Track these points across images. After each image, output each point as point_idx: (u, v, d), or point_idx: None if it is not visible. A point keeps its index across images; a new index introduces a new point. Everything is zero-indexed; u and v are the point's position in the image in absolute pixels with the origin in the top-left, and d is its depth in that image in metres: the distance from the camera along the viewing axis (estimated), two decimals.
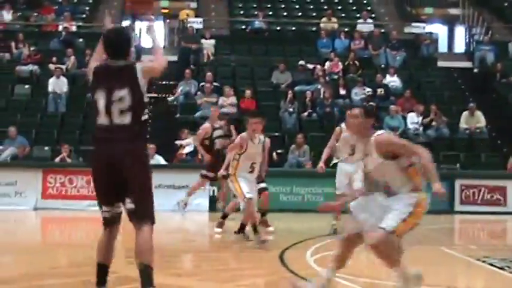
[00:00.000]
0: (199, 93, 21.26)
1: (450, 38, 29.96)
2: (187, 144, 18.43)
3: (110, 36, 6.00)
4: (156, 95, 22.57)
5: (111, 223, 6.03)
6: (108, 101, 5.77)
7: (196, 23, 25.59)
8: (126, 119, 5.77)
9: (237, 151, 10.62)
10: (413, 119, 20.57)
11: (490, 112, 21.27)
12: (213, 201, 16.94)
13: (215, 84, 21.49)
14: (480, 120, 20.68)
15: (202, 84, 21.36)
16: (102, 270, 6.04)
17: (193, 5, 28.04)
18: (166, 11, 28.70)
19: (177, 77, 22.43)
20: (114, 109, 5.77)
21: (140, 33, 25.61)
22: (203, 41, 24.04)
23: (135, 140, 5.85)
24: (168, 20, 28.84)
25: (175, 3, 28.03)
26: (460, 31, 28.84)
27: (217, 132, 14.52)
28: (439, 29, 28.95)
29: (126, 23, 25.67)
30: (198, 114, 20.48)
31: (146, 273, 5.79)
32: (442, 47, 28.51)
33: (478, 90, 23.07)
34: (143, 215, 5.86)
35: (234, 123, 16.48)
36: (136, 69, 5.89)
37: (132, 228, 5.90)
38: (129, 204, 5.83)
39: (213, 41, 24.19)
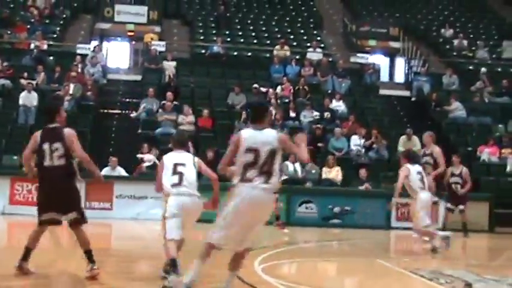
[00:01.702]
0: (160, 110, 21.20)
1: (391, 69, 30.35)
2: (149, 159, 18.36)
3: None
4: (120, 111, 22.47)
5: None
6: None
7: (159, 46, 25.59)
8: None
9: None
10: (356, 141, 20.77)
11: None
12: None
13: (175, 103, 21.47)
14: (416, 144, 20.87)
15: (163, 102, 21.31)
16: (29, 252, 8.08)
17: (158, 29, 28.02)
18: (132, 33, 28.62)
19: (140, 95, 22.37)
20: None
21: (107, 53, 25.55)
22: (165, 62, 24.02)
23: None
24: (133, 42, 28.77)
25: (141, 27, 27.97)
26: (400, 62, 29.23)
27: None
28: (381, 60, 29.32)
29: (94, 43, 25.57)
30: (158, 130, 20.43)
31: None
32: (384, 76, 28.87)
33: (415, 117, 23.38)
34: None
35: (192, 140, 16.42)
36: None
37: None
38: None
39: (174, 63, 24.16)
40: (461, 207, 16.61)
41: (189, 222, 8.11)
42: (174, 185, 8.10)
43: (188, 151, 8.67)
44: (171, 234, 7.80)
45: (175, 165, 8.27)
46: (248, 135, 6.90)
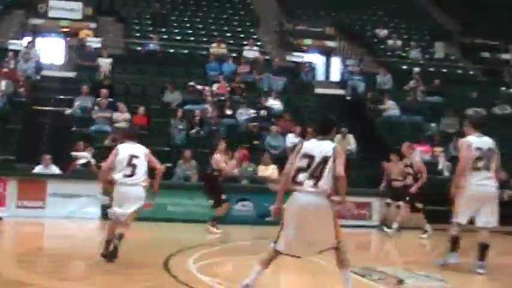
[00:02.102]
0: (95, 108, 20.90)
1: (327, 68, 30.56)
2: (83, 157, 18.06)
3: None
4: (53, 108, 22.05)
5: None
6: None
7: (94, 43, 25.23)
8: None
9: None
10: (291, 139, 20.81)
11: (359, 136, 21.75)
12: (104, 209, 16.61)
13: (110, 100, 21.19)
14: (351, 142, 21.14)
15: (98, 99, 21.00)
16: None
17: (93, 25, 27.61)
18: (66, 29, 28.13)
19: (74, 92, 21.98)
20: None
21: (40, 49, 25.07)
22: (100, 59, 23.68)
23: None
24: (67, 38, 28.27)
25: (75, 23, 27.52)
26: (335, 61, 29.46)
27: None
28: (317, 59, 29.48)
29: (27, 39, 25.04)
30: (93, 128, 20.13)
31: None
32: (320, 75, 29.05)
33: (350, 115, 23.57)
34: None
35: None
36: None
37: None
38: None
39: (109, 60, 23.85)
40: (399, 203, 16.75)
41: (131, 209, 9.53)
42: (126, 176, 9.48)
43: (139, 142, 9.92)
44: (114, 216, 9.59)
45: (131, 157, 9.55)
46: (309, 143, 7.52)
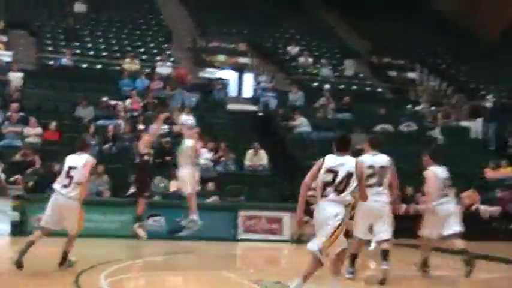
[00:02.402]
0: (5, 122, 20.54)
1: (239, 84, 30.83)
2: None
3: None
4: None
5: None
6: None
7: (5, 56, 24.79)
8: None
9: None
10: (204, 155, 20.93)
11: (271, 151, 22.03)
12: (14, 225, 16.32)
13: (21, 114, 20.86)
14: (263, 158, 21.39)
15: (8, 114, 20.65)
16: None
17: (4, 38, 27.08)
18: None
19: None
20: None
21: None
22: (11, 73, 23.29)
23: None
24: None
25: None
26: (248, 78, 29.74)
27: None
28: (229, 75, 29.70)
29: None
30: (2, 142, 19.79)
31: None
32: (232, 91, 29.27)
33: (262, 131, 23.87)
34: None
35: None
36: None
37: None
38: None
39: (20, 74, 23.48)
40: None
41: (66, 220, 10.18)
42: (63, 186, 10.08)
43: (87, 152, 10.53)
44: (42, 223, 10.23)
45: (69, 168, 10.12)
46: (330, 159, 8.48)
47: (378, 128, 24.80)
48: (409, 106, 27.26)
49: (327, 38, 33.72)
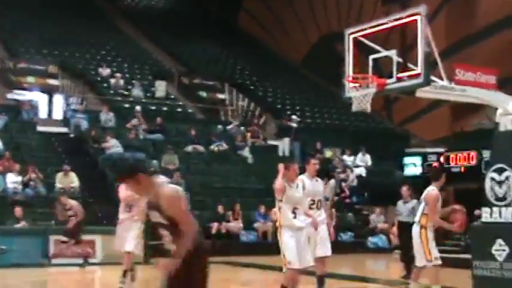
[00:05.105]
0: None
1: (49, 105, 29.71)
2: None
3: None
4: None
5: None
6: None
7: None
8: None
9: None
10: (12, 179, 19.94)
11: (83, 173, 21.42)
12: None
13: None
14: (74, 180, 20.75)
15: None
16: None
17: None
18: None
19: None
20: None
21: None
22: None
23: None
24: None
25: None
26: (58, 99, 28.70)
27: None
28: (39, 97, 28.53)
29: None
30: None
31: None
32: (42, 113, 28.15)
33: (73, 153, 23.18)
34: None
35: None
36: None
37: None
38: None
39: None
40: None
41: None
42: None
43: None
44: None
45: None
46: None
47: (190, 148, 24.84)
48: (219, 126, 27.53)
49: (139, 59, 33.41)
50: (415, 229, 10.20)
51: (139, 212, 11.49)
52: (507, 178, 10.70)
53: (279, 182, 9.17)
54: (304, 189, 9.45)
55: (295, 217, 9.18)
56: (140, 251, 11.55)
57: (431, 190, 10.11)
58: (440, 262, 10.08)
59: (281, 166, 9.23)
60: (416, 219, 10.24)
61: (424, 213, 10.11)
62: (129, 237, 11.55)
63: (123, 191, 11.44)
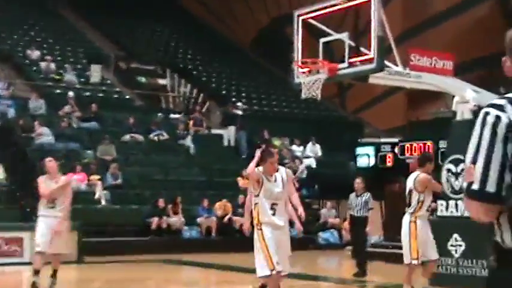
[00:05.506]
0: None
1: None
2: None
3: None
4: None
5: None
6: None
7: None
8: None
9: None
10: None
11: (10, 165, 21.09)
12: None
13: None
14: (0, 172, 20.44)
15: None
16: None
17: None
18: None
19: None
20: None
21: None
22: None
23: None
24: None
25: None
26: None
27: None
28: None
29: None
30: None
31: None
32: None
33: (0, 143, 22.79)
34: None
35: None
36: None
37: None
38: None
39: None
40: None
41: None
42: None
43: None
44: None
45: None
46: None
47: (127, 137, 24.64)
48: (159, 114, 27.37)
49: (72, 40, 32.91)
50: (406, 220, 10.16)
51: (63, 208, 11.33)
52: (464, 170, 10.86)
53: (251, 168, 8.70)
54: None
55: (274, 214, 8.82)
56: (67, 250, 11.44)
57: (420, 174, 10.04)
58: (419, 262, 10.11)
59: (257, 152, 8.84)
60: (410, 210, 10.16)
61: (420, 201, 10.04)
62: (52, 236, 11.30)
63: (44, 185, 11.27)
